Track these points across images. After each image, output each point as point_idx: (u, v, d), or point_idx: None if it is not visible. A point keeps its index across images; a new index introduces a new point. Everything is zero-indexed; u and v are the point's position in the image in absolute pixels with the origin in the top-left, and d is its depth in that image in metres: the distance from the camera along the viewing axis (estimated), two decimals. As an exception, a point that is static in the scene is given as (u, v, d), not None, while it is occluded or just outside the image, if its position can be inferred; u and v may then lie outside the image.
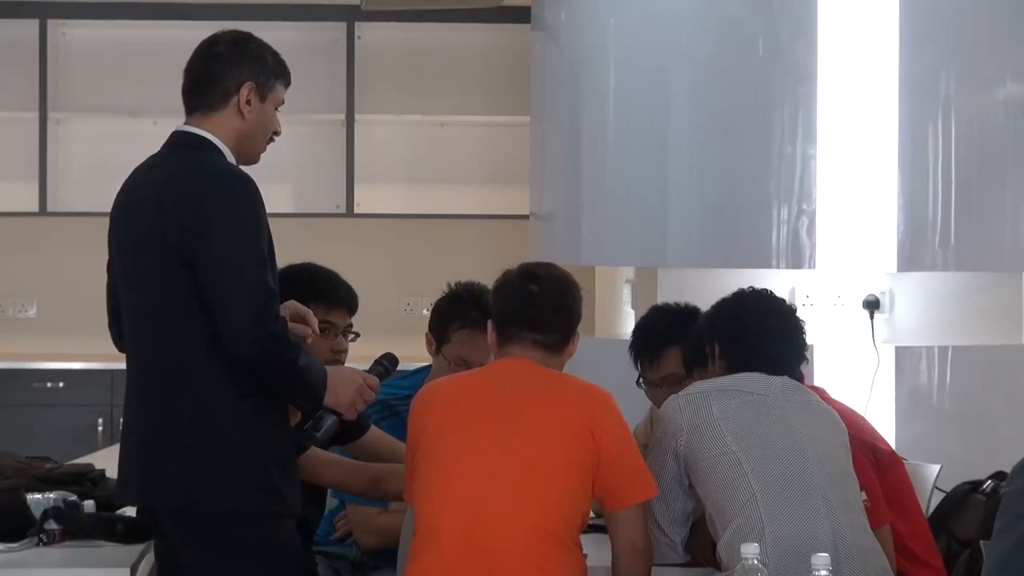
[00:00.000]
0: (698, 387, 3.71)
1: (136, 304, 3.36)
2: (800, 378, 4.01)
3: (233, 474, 3.27)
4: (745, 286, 3.93)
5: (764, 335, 3.77)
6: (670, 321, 4.18)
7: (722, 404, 3.62)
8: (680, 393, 3.70)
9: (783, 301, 3.90)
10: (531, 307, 3.47)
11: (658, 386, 4.13)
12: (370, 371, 3.53)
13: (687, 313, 4.17)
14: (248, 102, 3.37)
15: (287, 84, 3.48)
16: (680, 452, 3.61)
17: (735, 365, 3.74)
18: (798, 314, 3.87)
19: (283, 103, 3.48)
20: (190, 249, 3.23)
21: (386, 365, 3.61)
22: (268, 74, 3.42)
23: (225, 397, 3.26)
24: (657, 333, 4.18)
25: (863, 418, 4.19)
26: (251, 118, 3.38)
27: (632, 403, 3.86)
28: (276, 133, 3.47)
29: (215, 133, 3.36)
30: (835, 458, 3.64)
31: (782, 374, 3.72)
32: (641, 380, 4.17)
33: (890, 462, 3.98)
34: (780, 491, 3.51)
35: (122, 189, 3.42)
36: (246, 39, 3.45)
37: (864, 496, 3.76)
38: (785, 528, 3.43)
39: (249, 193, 3.28)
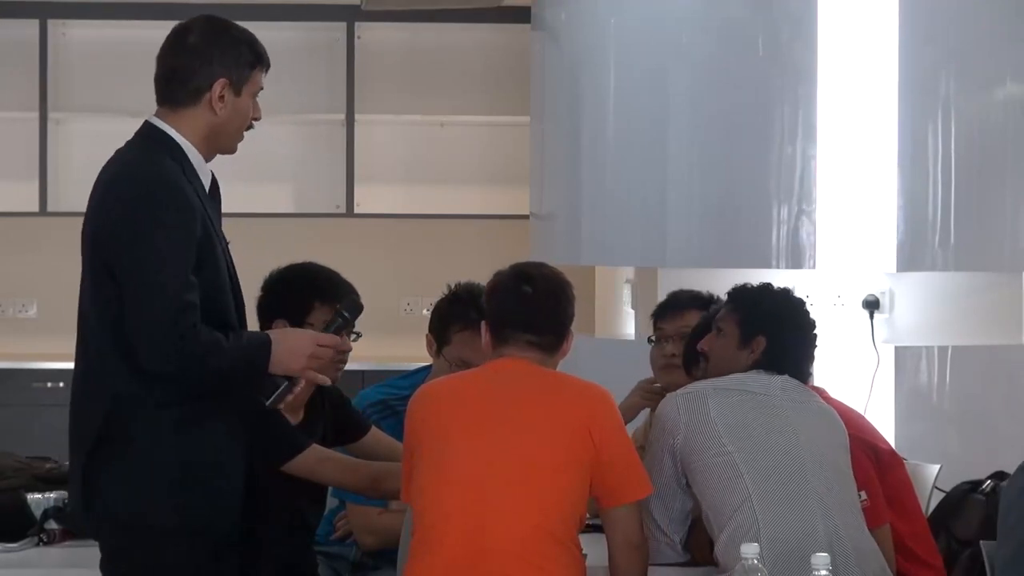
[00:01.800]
0: (696, 386, 3.72)
1: (80, 295, 3.31)
2: (808, 376, 4.02)
3: (134, 484, 3.15)
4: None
5: (807, 343, 3.84)
6: (696, 294, 4.33)
7: (719, 403, 3.62)
8: (678, 392, 3.71)
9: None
10: (525, 309, 3.47)
11: (668, 339, 4.23)
12: (328, 327, 3.39)
13: (711, 298, 4.26)
14: (222, 98, 3.24)
15: (266, 69, 3.33)
16: (677, 451, 3.61)
17: (767, 364, 3.75)
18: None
19: (262, 89, 3.33)
20: (109, 255, 3.18)
21: (345, 316, 3.42)
22: (242, 66, 3.26)
23: (143, 406, 3.16)
24: (685, 295, 4.34)
25: (863, 417, 4.19)
26: (224, 114, 3.25)
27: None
28: (255, 119, 3.33)
29: (181, 130, 3.24)
30: (833, 458, 3.64)
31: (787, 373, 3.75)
32: (651, 338, 4.24)
33: (890, 462, 3.98)
34: (776, 493, 3.51)
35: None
36: (220, 29, 3.30)
37: (864, 496, 3.76)
38: (781, 530, 3.42)
39: (172, 208, 3.14)
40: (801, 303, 3.91)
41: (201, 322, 3.12)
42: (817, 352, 3.95)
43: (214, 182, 3.34)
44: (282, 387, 3.26)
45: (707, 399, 3.63)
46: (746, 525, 3.46)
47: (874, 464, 3.90)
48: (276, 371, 3.23)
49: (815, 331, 3.87)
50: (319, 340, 3.27)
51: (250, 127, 3.34)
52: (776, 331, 3.78)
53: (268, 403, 3.26)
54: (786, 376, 3.73)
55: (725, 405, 3.62)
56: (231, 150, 3.34)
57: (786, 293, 3.92)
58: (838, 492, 3.57)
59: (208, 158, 3.31)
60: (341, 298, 3.61)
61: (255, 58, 3.29)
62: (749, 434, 3.58)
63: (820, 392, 4.07)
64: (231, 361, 3.16)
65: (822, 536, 3.45)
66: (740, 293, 3.94)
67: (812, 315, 3.92)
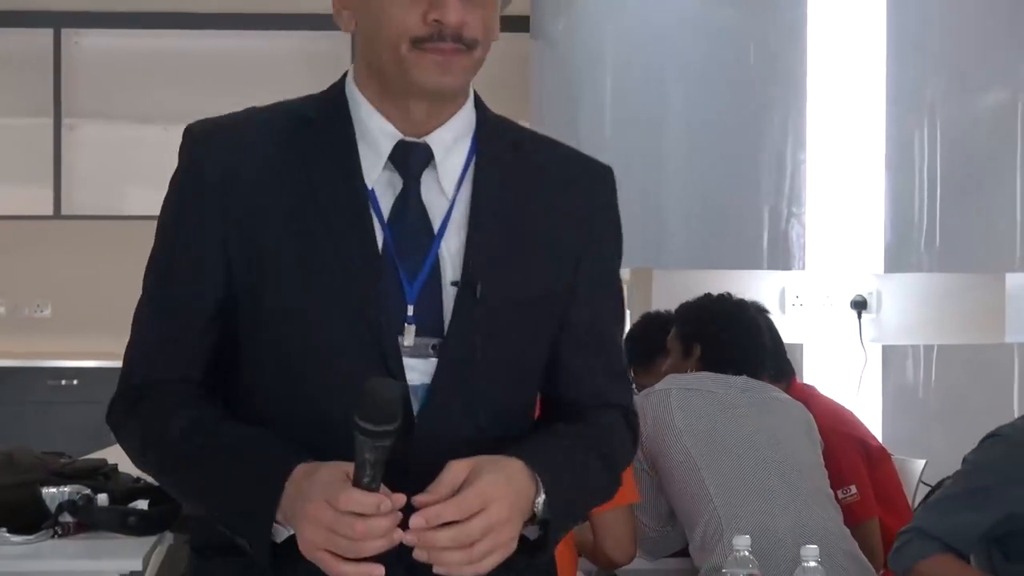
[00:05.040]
0: (663, 385, 3.74)
1: None
2: (791, 375, 4.10)
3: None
4: (729, 288, 4.01)
5: (746, 340, 3.86)
6: (658, 333, 4.23)
7: (682, 403, 3.65)
8: (646, 393, 3.73)
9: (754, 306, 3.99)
10: None
11: None
12: (357, 477, 1.69)
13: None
14: (340, 13, 2.01)
15: None
16: (645, 448, 3.63)
17: (709, 368, 3.79)
18: (767, 315, 3.99)
19: None
20: None
21: (369, 430, 1.65)
22: None
23: None
24: (651, 343, 4.26)
25: (852, 414, 4.22)
26: (359, 28, 1.98)
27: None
28: (435, 20, 1.91)
29: (357, 76, 2.04)
30: (798, 450, 3.65)
31: (743, 374, 3.78)
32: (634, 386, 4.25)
33: (879, 457, 4.03)
34: (736, 493, 3.53)
35: None
36: None
37: (854, 490, 3.81)
38: (744, 530, 3.37)
39: (176, 176, 1.98)
40: (741, 305, 3.93)
41: (169, 389, 1.91)
42: (778, 349, 4.00)
43: (482, 147, 2.06)
44: None
45: (670, 398, 3.65)
46: (712, 528, 3.49)
47: (864, 460, 3.95)
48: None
49: (762, 328, 3.89)
50: (337, 503, 1.70)
51: (438, 38, 1.92)
52: (709, 335, 3.82)
53: None
54: (745, 376, 3.76)
55: (688, 405, 3.64)
56: (411, 82, 1.95)
57: (720, 299, 3.94)
58: (804, 483, 3.58)
59: (400, 112, 2.00)
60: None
61: None
62: (709, 434, 3.60)
63: (810, 389, 4.15)
64: (168, 478, 1.95)
65: (785, 530, 3.46)
66: (679, 311, 4.00)
67: (761, 315, 3.96)
